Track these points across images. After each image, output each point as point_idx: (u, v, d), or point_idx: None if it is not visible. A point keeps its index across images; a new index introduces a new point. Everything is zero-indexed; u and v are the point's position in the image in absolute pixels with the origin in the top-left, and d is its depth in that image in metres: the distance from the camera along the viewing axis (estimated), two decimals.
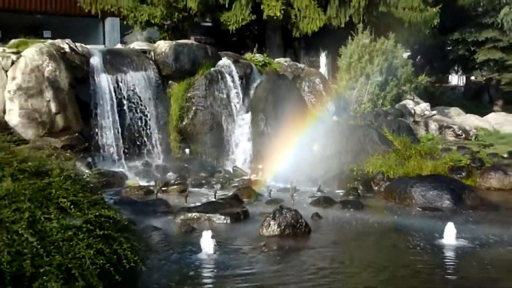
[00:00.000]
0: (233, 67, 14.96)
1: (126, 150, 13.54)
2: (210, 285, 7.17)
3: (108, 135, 13.41)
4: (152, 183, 12.54)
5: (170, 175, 13.05)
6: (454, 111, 17.62)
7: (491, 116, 17.50)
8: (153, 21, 20.52)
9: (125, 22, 22.94)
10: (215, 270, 7.57)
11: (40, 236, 5.82)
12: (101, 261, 5.99)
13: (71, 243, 5.94)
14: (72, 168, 6.89)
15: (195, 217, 10.06)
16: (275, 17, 18.94)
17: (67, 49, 13.35)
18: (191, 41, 16.10)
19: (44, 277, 5.72)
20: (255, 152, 14.43)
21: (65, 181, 6.39)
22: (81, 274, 5.89)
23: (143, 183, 12.61)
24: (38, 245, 5.77)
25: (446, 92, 24.17)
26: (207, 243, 7.98)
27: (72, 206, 6.20)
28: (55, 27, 24.78)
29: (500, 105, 21.50)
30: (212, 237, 8.16)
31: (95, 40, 25.14)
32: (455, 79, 28.86)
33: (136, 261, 6.36)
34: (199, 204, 10.93)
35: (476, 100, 23.93)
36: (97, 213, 6.29)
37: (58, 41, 13.56)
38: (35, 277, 5.69)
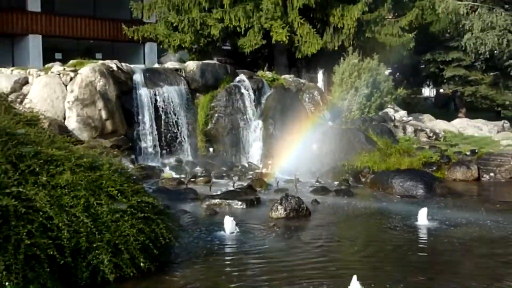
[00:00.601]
0: (248, 82, 15.05)
1: (162, 149, 13.53)
2: (231, 257, 7.31)
3: (147, 137, 13.52)
4: (183, 175, 12.61)
5: (197, 169, 13.14)
6: (427, 117, 17.60)
7: (456, 121, 17.48)
8: (183, 46, 20.62)
9: (161, 46, 23.01)
10: (234, 245, 7.69)
11: (93, 218, 5.92)
12: (142, 238, 6.09)
13: (118, 224, 6.04)
14: (118, 164, 6.93)
15: (217, 203, 10.16)
16: (281, 42, 19.02)
17: (115, 68, 13.46)
18: (214, 61, 16.14)
19: (97, 251, 5.81)
20: (265, 150, 14.51)
21: (113, 174, 6.48)
22: (126, 249, 5.99)
23: (176, 175, 12.61)
24: (92, 225, 5.87)
25: (420, 102, 24.16)
26: (228, 224, 8.03)
27: (119, 194, 6.29)
28: (105, 50, 24.96)
29: (463, 112, 21.43)
30: (232, 220, 8.21)
31: (136, 60, 25.17)
32: (427, 91, 28.76)
33: (170, 238, 6.45)
34: (221, 192, 11.05)
35: (444, 108, 23.83)
36: (139, 200, 6.38)
37: (107, 62, 13.71)
38: (89, 251, 5.80)
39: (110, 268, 5.73)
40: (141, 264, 5.94)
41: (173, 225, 6.75)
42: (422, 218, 8.59)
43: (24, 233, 5.31)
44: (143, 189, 6.84)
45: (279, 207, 9.11)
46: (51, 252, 5.40)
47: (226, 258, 7.21)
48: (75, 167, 6.20)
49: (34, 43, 24.24)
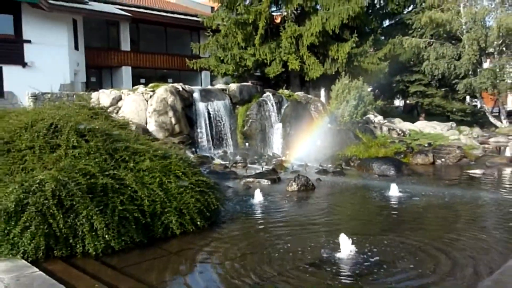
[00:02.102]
0: (272, 97, 15.03)
1: (213, 144, 13.60)
2: (259, 216, 7.32)
3: (203, 135, 13.58)
4: (227, 162, 12.63)
5: (237, 158, 13.14)
6: (397, 120, 17.33)
7: (418, 123, 17.23)
8: (227, 73, 20.73)
9: (212, 73, 23.10)
10: (261, 209, 7.68)
11: (165, 191, 5.96)
12: (198, 205, 6.13)
13: (182, 195, 6.07)
14: (182, 154, 6.98)
15: (251, 180, 10.16)
16: (295, 69, 18.96)
17: (180, 89, 13.55)
18: (248, 83, 16.08)
19: (167, 214, 5.85)
20: (284, 144, 14.46)
21: (179, 161, 6.48)
22: (188, 212, 6.00)
23: (223, 162, 12.65)
24: (164, 196, 5.87)
25: (392, 110, 23.88)
26: (257, 194, 8.04)
27: (182, 175, 6.28)
28: (174, 77, 25.14)
29: (423, 116, 21.10)
30: (260, 192, 8.21)
31: (196, 83, 25.40)
32: (398, 102, 28.28)
33: (218, 205, 6.47)
34: (253, 173, 11.02)
35: (410, 114, 23.44)
36: (196, 179, 6.42)
37: (175, 84, 13.83)
38: (162, 214, 5.84)
39: (177, 226, 5.76)
40: (198, 223, 5.95)
41: (220, 196, 6.76)
42: (393, 190, 8.52)
43: (118, 202, 5.37)
44: (200, 171, 6.81)
45: (293, 183, 9.10)
46: (136, 215, 5.45)
47: (256, 217, 7.21)
48: (152, 156, 6.25)
49: (126, 72, 24.59)
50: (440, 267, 4.68)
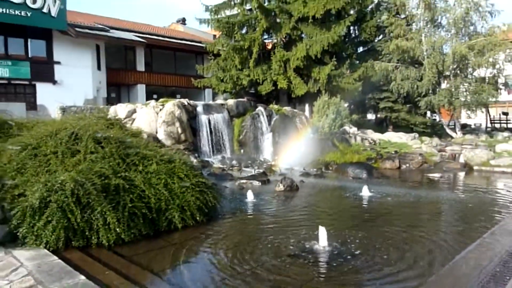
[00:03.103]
0: (263, 111, 14.92)
1: (213, 150, 13.46)
2: (251, 212, 7.19)
3: (205, 143, 13.41)
4: (225, 165, 12.50)
5: (233, 162, 12.99)
6: (369, 131, 17.26)
7: (386, 134, 17.13)
8: (226, 90, 20.66)
9: (214, 91, 22.97)
10: (253, 206, 7.58)
11: (169, 190, 5.86)
12: (198, 202, 6.05)
13: (184, 194, 6.00)
14: (186, 159, 6.87)
15: (244, 182, 9.98)
16: (283, 88, 18.91)
17: (186, 103, 13.45)
18: (244, 99, 16.02)
19: (171, 210, 5.75)
20: (273, 151, 14.29)
21: (182, 165, 6.38)
22: (188, 209, 5.91)
23: (221, 166, 12.52)
24: (168, 195, 5.77)
25: (365, 122, 23.68)
26: (249, 194, 7.95)
27: (185, 177, 6.18)
28: (182, 93, 25.09)
29: (391, 128, 21.00)
30: (252, 192, 8.11)
31: (200, 99, 25.26)
32: (370, 116, 28.22)
33: (215, 202, 6.37)
34: (247, 175, 10.88)
35: (380, 126, 23.28)
36: (197, 180, 6.32)
37: (182, 100, 13.71)
38: (166, 210, 5.73)
39: (179, 220, 5.68)
40: (197, 218, 5.87)
41: (217, 195, 6.65)
42: (365, 190, 8.44)
43: (128, 200, 5.29)
44: (200, 174, 6.70)
45: (280, 184, 8.98)
46: (144, 211, 5.37)
47: (247, 213, 7.09)
48: (159, 161, 6.16)
49: (141, 89, 24.44)
50: (405, 257, 4.63)
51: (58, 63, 19.62)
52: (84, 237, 4.90)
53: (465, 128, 23.59)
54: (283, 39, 20.34)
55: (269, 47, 21.26)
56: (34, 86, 18.95)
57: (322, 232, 4.85)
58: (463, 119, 30.94)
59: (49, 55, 19.52)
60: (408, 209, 7.34)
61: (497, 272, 3.92)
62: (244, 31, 20.55)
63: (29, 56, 19.03)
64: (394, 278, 4.04)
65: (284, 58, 18.83)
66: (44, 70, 19.24)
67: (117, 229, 4.96)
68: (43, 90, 18.91)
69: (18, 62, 18.55)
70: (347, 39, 22.67)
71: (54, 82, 19.42)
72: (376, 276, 4.08)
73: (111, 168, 5.55)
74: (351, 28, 23.07)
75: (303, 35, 19.81)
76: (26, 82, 18.75)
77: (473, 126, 26.68)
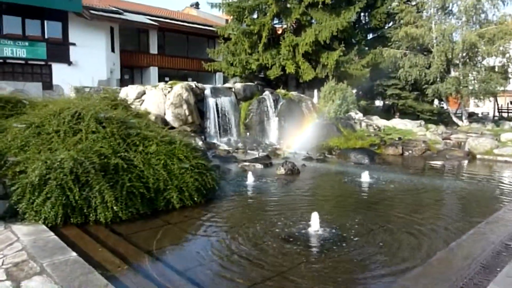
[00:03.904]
0: (270, 95, 14.70)
1: (219, 132, 13.36)
2: (251, 194, 7.10)
3: (212, 125, 13.34)
4: (230, 148, 12.40)
5: (239, 145, 12.91)
6: (375, 118, 16.89)
7: (392, 120, 16.74)
8: (236, 74, 20.36)
9: (224, 75, 22.67)
10: (252, 188, 7.46)
11: (168, 171, 5.78)
12: (196, 184, 5.97)
13: (183, 175, 5.91)
14: (187, 140, 6.73)
15: (247, 164, 9.85)
16: (291, 73, 18.55)
17: (194, 86, 13.32)
18: (251, 83, 15.79)
19: (169, 191, 5.67)
20: (279, 135, 14.14)
21: (182, 146, 6.26)
22: (187, 189, 5.84)
23: (226, 148, 12.43)
24: (167, 175, 5.68)
25: (373, 109, 23.19)
26: (250, 177, 7.83)
27: (184, 158, 6.08)
28: (193, 76, 24.76)
29: (398, 115, 20.58)
30: (252, 174, 8.00)
31: (211, 83, 25.02)
32: (378, 102, 27.65)
33: (214, 184, 6.26)
34: (251, 158, 10.73)
35: (387, 112, 22.83)
36: (196, 161, 6.21)
37: (190, 82, 13.58)
38: (165, 190, 5.68)
39: (177, 201, 5.61)
40: (195, 199, 5.78)
41: (216, 177, 6.56)
42: (365, 176, 8.24)
43: (127, 179, 5.21)
44: (200, 155, 6.51)
45: (281, 168, 8.83)
46: (142, 191, 5.30)
47: (246, 195, 6.97)
48: (159, 142, 6.05)
49: (153, 72, 24.30)
50: (398, 244, 4.47)
51: (73, 44, 19.52)
52: (82, 214, 4.86)
53: (472, 116, 23.01)
54: (293, 24, 19.87)
55: (279, 32, 20.80)
56: (50, 66, 18.94)
57: (315, 217, 4.72)
58: (471, 108, 30.24)
59: (65, 37, 19.42)
60: (406, 195, 7.13)
61: (489, 262, 3.76)
62: (254, 16, 20.10)
63: (46, 37, 18.95)
64: (384, 265, 3.90)
65: (293, 43, 18.41)
66: (59, 51, 19.18)
67: (115, 208, 4.90)
68: (58, 71, 18.89)
69: (35, 43, 18.51)
70: (357, 26, 22.09)
71: (70, 63, 19.37)
72: (365, 263, 3.95)
73: (111, 148, 5.46)
74: (361, 14, 22.46)
75: (312, 21, 19.29)
76: (43, 63, 18.74)
77: (480, 115, 26.02)
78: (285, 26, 20.21)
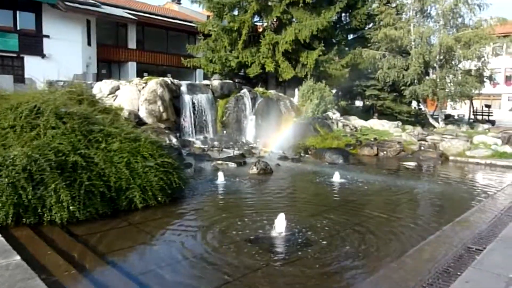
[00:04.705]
0: (248, 93, 14.51)
1: (195, 130, 13.10)
2: (217, 194, 6.93)
3: (187, 123, 13.04)
4: (206, 146, 12.19)
5: (215, 143, 12.68)
6: (353, 118, 16.88)
7: (370, 121, 16.76)
8: (215, 72, 20.06)
9: (204, 71, 22.36)
10: (221, 188, 7.29)
11: (131, 170, 5.59)
12: (161, 183, 5.76)
13: (146, 174, 5.70)
14: (152, 137, 6.53)
15: (220, 163, 9.70)
16: (271, 71, 18.42)
17: (169, 82, 13.01)
18: (228, 81, 15.62)
19: (132, 190, 5.47)
20: (256, 134, 13.95)
21: (147, 144, 6.05)
22: (150, 189, 5.65)
23: (202, 146, 12.20)
24: (129, 174, 5.47)
25: (353, 109, 23.31)
26: (220, 176, 7.67)
27: (149, 156, 5.88)
28: (173, 73, 24.26)
29: (376, 115, 20.72)
30: (223, 173, 7.84)
31: (191, 79, 24.69)
32: (358, 103, 27.85)
33: (180, 183, 6.08)
34: (224, 156, 10.56)
35: (367, 113, 22.94)
36: (162, 160, 5.99)
37: (165, 78, 13.22)
38: (127, 189, 5.47)
39: (140, 200, 5.42)
40: (159, 198, 5.61)
41: (183, 176, 6.38)
42: (336, 176, 8.18)
43: (85, 178, 4.98)
44: (167, 153, 6.32)
45: (254, 167, 8.68)
46: (102, 190, 5.08)
47: (213, 195, 6.78)
48: (123, 139, 5.83)
49: (132, 67, 23.83)
50: (365, 244, 4.40)
51: (47, 36, 18.92)
52: (36, 214, 4.61)
53: (448, 118, 23.40)
54: (274, 22, 19.75)
55: (260, 30, 20.66)
56: (22, 59, 18.30)
57: (281, 219, 4.60)
58: (449, 110, 30.80)
59: (38, 28, 18.80)
60: (376, 196, 7.10)
61: (450, 266, 3.71)
62: (235, 12, 19.87)
63: (18, 28, 18.31)
64: (345, 269, 3.81)
65: (273, 41, 18.29)
66: (32, 43, 18.56)
67: (71, 207, 4.68)
68: (31, 63, 18.26)
69: (6, 34, 17.84)
70: (337, 26, 22.15)
71: (43, 56, 18.78)
72: (327, 268, 3.84)
73: (70, 145, 5.22)
74: (342, 14, 22.50)
75: (293, 19, 19.23)
76: (14, 55, 18.09)
77: (456, 117, 26.49)
78: (265, 24, 20.08)
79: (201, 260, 3.96)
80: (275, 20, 19.45)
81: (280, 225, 4.60)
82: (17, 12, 18.31)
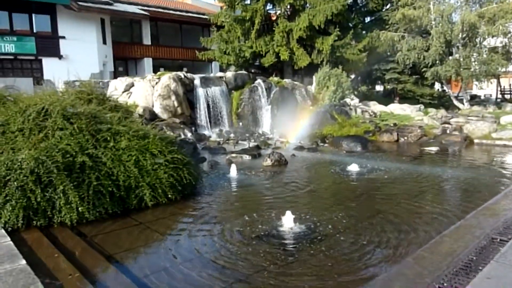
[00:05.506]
0: (262, 83, 14.29)
1: (210, 123, 13.04)
2: (229, 189, 6.81)
3: (202, 116, 13.01)
4: (221, 139, 12.11)
5: (231, 135, 12.57)
6: (372, 103, 16.40)
7: (390, 106, 16.25)
8: (229, 63, 19.90)
9: (218, 63, 22.22)
10: (234, 183, 7.17)
11: (140, 168, 5.52)
12: (171, 180, 5.68)
13: (156, 171, 5.63)
14: (162, 134, 6.45)
15: (234, 156, 9.59)
16: (285, 59, 18.08)
17: (182, 76, 12.96)
18: (242, 72, 15.45)
19: (141, 188, 5.41)
20: (272, 124, 13.76)
21: (156, 140, 5.98)
22: (160, 186, 5.58)
23: (218, 139, 12.14)
24: (138, 172, 5.42)
25: (373, 94, 22.75)
26: (233, 170, 7.56)
27: (159, 153, 5.81)
28: (188, 66, 24.38)
29: (397, 100, 20.12)
30: (237, 166, 7.72)
31: (207, 72, 24.58)
32: (379, 87, 27.14)
33: (191, 179, 5.97)
34: (239, 149, 10.45)
35: (388, 97, 22.32)
36: (172, 156, 5.91)
37: (178, 73, 13.18)
38: (136, 188, 5.41)
39: (150, 198, 5.36)
40: (170, 196, 5.54)
41: (194, 171, 6.28)
42: (353, 166, 7.94)
43: (94, 178, 4.95)
44: (176, 150, 6.18)
45: (268, 159, 8.53)
46: (111, 189, 5.05)
47: (225, 190, 6.63)
48: (131, 137, 5.78)
49: (147, 63, 23.96)
50: (376, 241, 4.19)
51: (63, 37, 19.21)
52: (46, 216, 4.63)
53: (474, 99, 22.50)
54: (287, 9, 19.34)
55: (274, 18, 20.31)
56: (40, 61, 18.67)
57: (288, 216, 4.44)
58: (474, 90, 29.64)
59: (54, 30, 19.11)
60: (394, 186, 6.79)
61: (471, 260, 3.47)
62: (247, 1, 19.59)
63: (34, 31, 18.65)
64: (356, 267, 3.62)
65: (287, 29, 17.93)
66: (49, 45, 18.89)
67: (80, 208, 4.67)
68: (49, 65, 18.60)
69: (23, 37, 18.21)
70: (353, 9, 21.51)
71: (60, 57, 19.09)
72: (335, 267, 3.67)
73: (78, 145, 5.20)
74: None
75: (307, 5, 18.77)
76: (32, 57, 18.47)
77: (482, 98, 25.44)
78: (279, 12, 19.70)
79: (212, 258, 3.87)
80: (288, 7, 19.05)
81: (288, 222, 4.46)
82: (33, 15, 18.64)
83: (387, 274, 3.24)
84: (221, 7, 26.24)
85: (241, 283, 3.36)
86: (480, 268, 3.28)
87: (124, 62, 24.29)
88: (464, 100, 19.02)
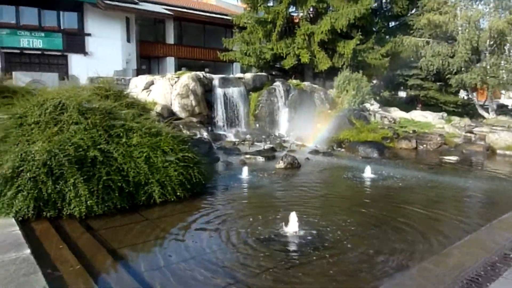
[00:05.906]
0: (281, 85, 14.22)
1: (227, 124, 13.05)
2: (239, 190, 6.79)
3: (220, 116, 13.03)
4: (238, 140, 12.12)
5: (247, 136, 12.54)
6: (393, 109, 16.16)
7: (412, 112, 15.96)
8: (250, 64, 19.93)
9: (240, 64, 22.29)
10: (244, 184, 7.16)
11: (150, 165, 5.56)
12: (180, 177, 5.68)
13: (166, 169, 5.65)
14: (174, 132, 6.49)
15: (248, 157, 9.57)
16: (306, 62, 17.96)
17: (201, 76, 13.02)
18: (261, 73, 15.46)
19: (151, 185, 5.46)
20: (289, 127, 13.67)
21: (168, 138, 6.02)
22: (169, 184, 5.59)
23: (234, 139, 12.14)
24: (148, 169, 5.46)
25: (395, 100, 22.32)
26: (244, 171, 7.53)
27: (170, 151, 5.85)
28: (210, 67, 24.44)
29: (420, 107, 19.70)
30: (249, 168, 7.70)
31: (228, 72, 24.66)
32: (402, 93, 26.56)
33: (200, 178, 5.97)
34: (254, 150, 10.41)
35: (410, 104, 21.89)
36: (183, 154, 5.93)
37: (197, 73, 13.22)
38: (146, 184, 5.46)
39: (159, 195, 5.40)
40: (179, 193, 5.57)
41: (204, 171, 6.29)
42: (367, 172, 7.79)
43: (104, 172, 5.03)
44: (188, 148, 6.23)
45: (281, 161, 8.47)
46: (120, 184, 5.11)
47: (235, 191, 6.61)
48: (142, 134, 5.84)
49: (170, 62, 24.25)
50: (383, 251, 4.08)
51: (89, 35, 19.69)
52: (55, 208, 4.73)
53: (501, 108, 21.74)
54: (309, 12, 19.23)
55: (296, 21, 20.23)
56: (66, 57, 19.20)
57: (293, 218, 4.38)
58: (502, 99, 28.68)
59: (81, 27, 19.62)
60: (408, 194, 6.62)
61: (479, 275, 3.33)
62: (270, 3, 19.59)
63: (62, 28, 19.20)
64: (358, 276, 3.53)
65: (308, 32, 17.82)
66: (76, 41, 19.40)
67: (89, 202, 4.75)
68: (75, 61, 19.14)
69: (51, 33, 18.78)
70: (377, 13, 21.20)
71: (86, 54, 19.58)
72: (337, 274, 3.59)
73: (91, 140, 5.29)
74: (383, 1, 21.54)
75: (330, 8, 18.61)
76: (59, 53, 19.01)
77: (510, 107, 24.58)
78: (301, 14, 19.60)
79: (213, 258, 3.86)
80: (311, 9, 18.94)
81: (293, 225, 4.40)
82: (61, 12, 19.19)
83: (388, 285, 3.14)
84: (244, 8, 26.38)
85: (240, 284, 3.32)
86: (488, 284, 3.14)
87: (148, 61, 24.67)
88: (490, 109, 18.43)
